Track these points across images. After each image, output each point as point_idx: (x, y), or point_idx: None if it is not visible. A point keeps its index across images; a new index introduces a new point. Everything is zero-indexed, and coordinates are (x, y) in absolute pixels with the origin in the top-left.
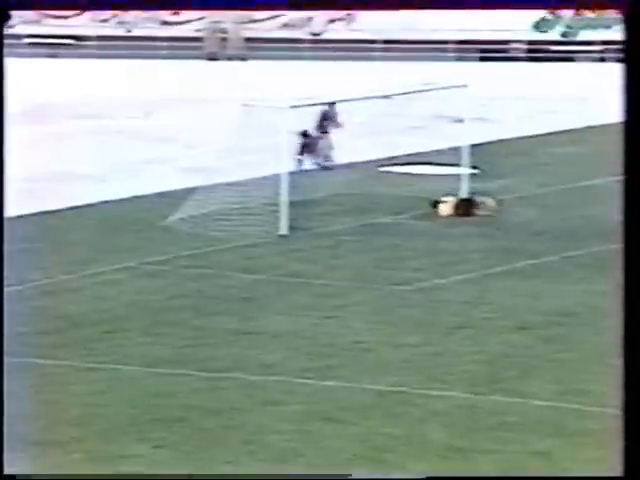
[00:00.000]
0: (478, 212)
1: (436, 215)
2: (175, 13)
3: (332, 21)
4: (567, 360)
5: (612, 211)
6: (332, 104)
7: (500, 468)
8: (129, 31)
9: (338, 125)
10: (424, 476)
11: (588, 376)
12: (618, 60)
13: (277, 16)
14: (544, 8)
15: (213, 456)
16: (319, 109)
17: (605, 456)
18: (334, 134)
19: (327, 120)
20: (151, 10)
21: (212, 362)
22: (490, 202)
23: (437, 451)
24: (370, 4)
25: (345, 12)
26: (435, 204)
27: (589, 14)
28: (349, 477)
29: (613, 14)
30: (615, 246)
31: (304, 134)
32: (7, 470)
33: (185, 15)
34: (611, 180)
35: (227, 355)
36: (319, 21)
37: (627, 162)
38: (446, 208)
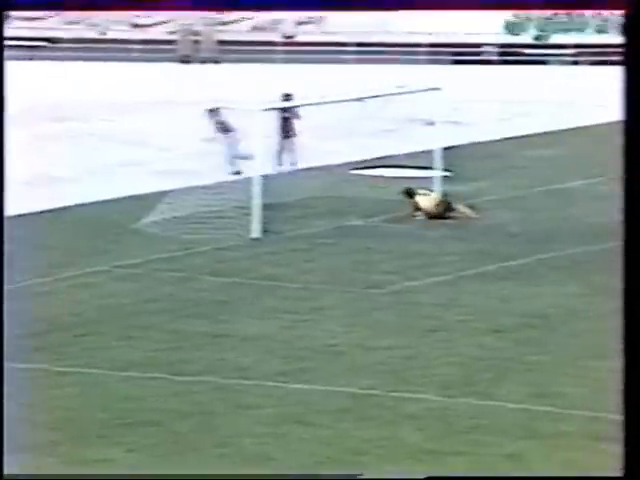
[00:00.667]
0: (453, 214)
1: (410, 218)
2: (147, 15)
3: (302, 23)
4: (541, 363)
5: (586, 213)
6: (295, 107)
7: (472, 470)
8: (103, 33)
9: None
10: (424, 476)
11: (562, 379)
12: (592, 63)
13: (247, 18)
14: (544, 8)
15: (185, 460)
16: (281, 112)
17: (577, 458)
18: (304, 137)
19: (289, 123)
20: (150, 10)
21: (185, 365)
22: (465, 209)
23: (410, 453)
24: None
25: (315, 14)
26: (410, 195)
27: (561, 17)
28: (348, 477)
29: (586, 17)
30: (589, 248)
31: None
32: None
33: (156, 17)
34: (585, 183)
35: (200, 358)
36: (289, 23)
37: (627, 162)
38: (424, 202)
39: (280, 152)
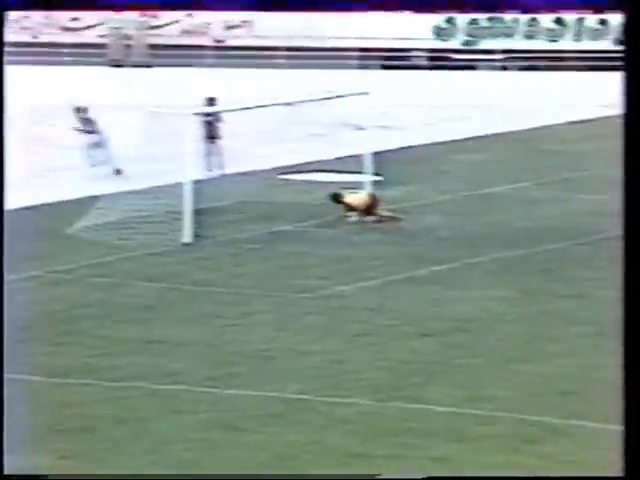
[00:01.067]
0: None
1: (340, 222)
2: (74, 19)
3: (231, 27)
4: (470, 366)
5: (514, 218)
6: (223, 111)
7: (401, 473)
8: (35, 37)
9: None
10: (424, 476)
11: (490, 382)
12: (520, 68)
13: (177, 21)
14: (544, 8)
15: (117, 466)
16: (205, 117)
17: (506, 461)
18: (234, 142)
19: (214, 127)
20: (150, 10)
21: (116, 371)
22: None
23: (339, 457)
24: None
25: (245, 17)
26: (337, 199)
27: (487, 23)
28: (348, 477)
29: (514, 22)
30: (517, 252)
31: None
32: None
33: (87, 21)
34: (513, 187)
35: (131, 364)
36: (218, 27)
37: (627, 161)
38: (354, 200)
39: (208, 156)
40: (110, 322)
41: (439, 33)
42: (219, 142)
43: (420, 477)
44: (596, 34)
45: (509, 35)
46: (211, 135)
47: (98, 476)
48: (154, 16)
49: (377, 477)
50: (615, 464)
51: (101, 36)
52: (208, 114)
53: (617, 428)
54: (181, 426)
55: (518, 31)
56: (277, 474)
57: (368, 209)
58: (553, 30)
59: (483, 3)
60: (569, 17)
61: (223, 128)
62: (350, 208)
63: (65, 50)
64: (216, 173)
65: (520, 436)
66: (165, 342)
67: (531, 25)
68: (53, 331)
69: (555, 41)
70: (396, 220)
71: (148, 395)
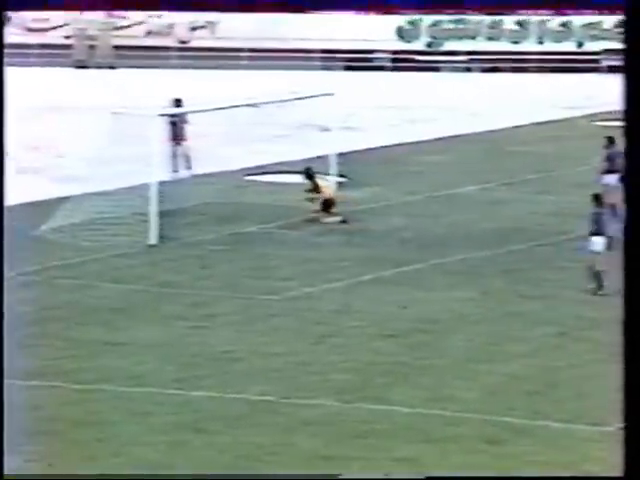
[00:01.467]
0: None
1: (305, 224)
2: (39, 19)
3: (195, 28)
4: (434, 367)
5: (478, 219)
6: (187, 112)
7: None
8: None
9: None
10: (424, 476)
11: (454, 382)
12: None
13: (141, 23)
14: (545, 8)
15: (83, 469)
16: (171, 118)
17: (470, 461)
18: (199, 143)
19: (180, 128)
20: (149, 10)
21: (82, 374)
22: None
23: (304, 459)
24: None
25: (209, 18)
26: (310, 176)
27: (449, 24)
28: (347, 477)
29: (477, 23)
30: (482, 253)
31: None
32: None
33: (52, 21)
34: (477, 188)
35: (97, 366)
36: (182, 28)
37: (630, 163)
38: (323, 184)
39: (174, 158)
40: (76, 324)
41: (402, 34)
42: (185, 143)
43: (421, 477)
44: (558, 36)
45: (472, 37)
46: (177, 137)
47: (98, 476)
48: (120, 17)
49: (339, 477)
50: (578, 464)
51: (66, 37)
52: (174, 115)
53: (580, 428)
54: (147, 428)
55: (481, 33)
56: (271, 474)
57: (327, 202)
58: (515, 32)
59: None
60: (531, 19)
61: (188, 129)
62: (316, 190)
63: (29, 51)
64: (182, 174)
65: (485, 437)
66: (131, 344)
67: (494, 27)
68: (20, 333)
69: (518, 43)
70: (343, 223)
71: (114, 397)
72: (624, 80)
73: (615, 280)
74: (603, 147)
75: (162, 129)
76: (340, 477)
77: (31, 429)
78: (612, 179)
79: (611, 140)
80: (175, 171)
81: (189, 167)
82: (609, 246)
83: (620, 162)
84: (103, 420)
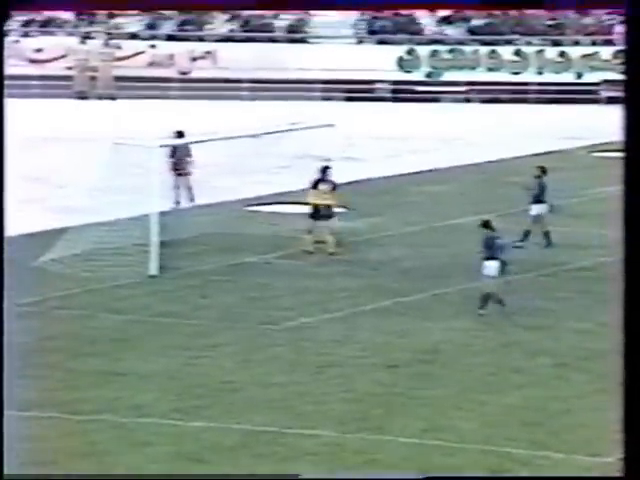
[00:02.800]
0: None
1: (305, 254)
2: (39, 50)
3: (195, 59)
4: (433, 397)
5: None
6: (189, 143)
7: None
8: None
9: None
10: (423, 476)
11: (453, 413)
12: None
13: (142, 52)
14: (544, 8)
15: None
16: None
17: None
18: (200, 174)
19: (183, 160)
20: (150, 10)
21: (81, 404)
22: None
23: None
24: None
25: (206, 50)
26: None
27: (448, 54)
28: (348, 477)
29: (475, 53)
30: (479, 284)
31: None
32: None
33: (51, 52)
34: (477, 219)
35: (97, 397)
36: (183, 59)
37: (627, 175)
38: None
39: (176, 189)
40: (76, 355)
41: (402, 65)
42: (189, 175)
43: (421, 477)
44: (558, 67)
45: (472, 67)
46: (180, 168)
47: (98, 476)
48: (118, 47)
49: (348, 478)
50: None
51: (67, 68)
52: (175, 147)
53: (580, 458)
54: (147, 459)
55: (481, 63)
56: (270, 474)
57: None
58: (515, 63)
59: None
60: (529, 49)
61: (190, 161)
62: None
63: (30, 82)
64: (183, 205)
65: (485, 467)
66: (131, 374)
67: (492, 57)
68: (20, 364)
69: (517, 74)
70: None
71: (114, 428)
72: (623, 111)
73: (510, 303)
74: (534, 177)
75: (163, 160)
76: (340, 477)
77: (30, 460)
78: (542, 208)
79: (543, 170)
80: (177, 202)
81: (192, 199)
82: (502, 270)
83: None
84: (102, 451)
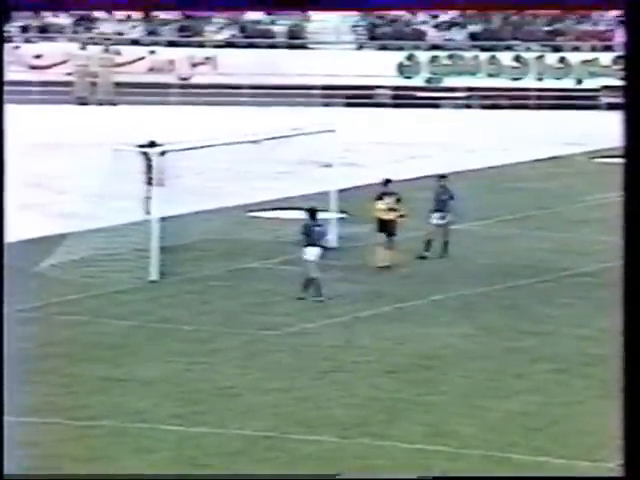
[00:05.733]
0: None
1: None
2: (39, 56)
3: (196, 65)
4: (434, 403)
5: (479, 255)
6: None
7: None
8: None
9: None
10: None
11: (455, 418)
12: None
13: (142, 58)
14: (544, 8)
15: None
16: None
17: None
18: (201, 179)
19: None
20: (150, 11)
21: (82, 410)
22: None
23: None
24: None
25: (206, 56)
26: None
27: (448, 60)
28: (347, 477)
29: (475, 59)
30: (481, 289)
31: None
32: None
33: (51, 59)
34: (478, 224)
35: (98, 402)
36: (183, 64)
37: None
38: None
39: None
40: (77, 360)
41: (402, 70)
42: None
43: (422, 477)
44: (558, 73)
45: (472, 73)
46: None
47: (98, 476)
48: (118, 53)
49: (349, 477)
50: None
51: (67, 74)
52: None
53: (581, 464)
54: (147, 464)
55: (480, 69)
56: (270, 474)
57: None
58: (515, 68)
59: None
60: (529, 55)
61: (189, 166)
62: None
63: (31, 88)
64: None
65: (486, 473)
66: (131, 380)
67: (492, 63)
68: (21, 369)
69: (517, 79)
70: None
71: (114, 434)
72: (624, 117)
73: (330, 287)
74: (439, 186)
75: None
76: (340, 477)
77: (30, 466)
78: (443, 217)
79: (442, 177)
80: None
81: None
82: (322, 256)
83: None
84: (103, 456)
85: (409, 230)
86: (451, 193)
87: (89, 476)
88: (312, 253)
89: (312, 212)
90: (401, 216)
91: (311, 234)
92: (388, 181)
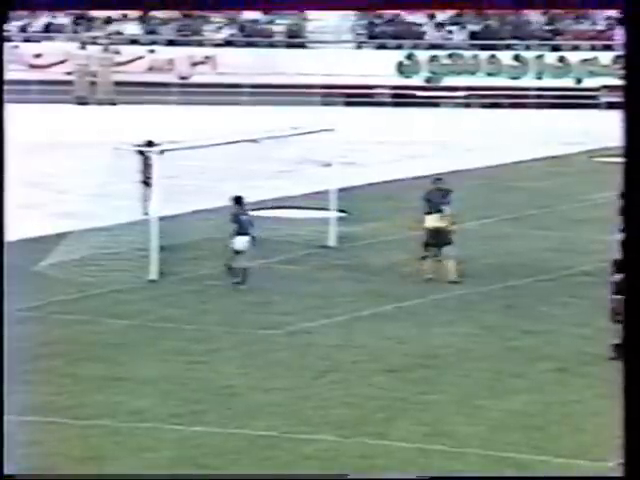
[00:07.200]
0: None
1: (303, 260)
2: (39, 55)
3: (195, 64)
4: (434, 402)
5: (479, 254)
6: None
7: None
8: None
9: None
10: (424, 476)
11: (454, 418)
12: (483, 106)
13: (141, 57)
14: (543, 7)
15: None
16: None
17: None
18: (200, 179)
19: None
20: (151, 10)
21: (81, 409)
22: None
23: None
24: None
25: (206, 55)
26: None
27: (447, 59)
28: (348, 477)
29: (474, 58)
30: (481, 289)
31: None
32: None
33: (50, 58)
34: (478, 224)
35: (97, 402)
36: (183, 64)
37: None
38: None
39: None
40: (76, 360)
41: (402, 70)
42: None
43: (421, 477)
44: (557, 72)
45: (471, 72)
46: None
47: (98, 476)
48: (117, 52)
49: (348, 477)
50: None
51: (67, 73)
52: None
53: (581, 463)
54: (146, 464)
55: (480, 68)
56: (271, 474)
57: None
58: (514, 67)
59: None
60: (528, 54)
61: (189, 165)
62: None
63: (30, 87)
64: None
65: (485, 471)
66: (130, 379)
67: (492, 62)
68: (20, 369)
69: (517, 79)
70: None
71: (114, 433)
72: (623, 116)
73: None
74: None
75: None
76: (341, 477)
77: (30, 465)
78: (245, 241)
79: (237, 199)
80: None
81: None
82: (252, 244)
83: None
84: (103, 456)
85: (409, 229)
86: (448, 197)
87: (89, 476)
88: (242, 242)
89: (237, 199)
90: (449, 231)
91: (240, 223)
92: (449, 191)
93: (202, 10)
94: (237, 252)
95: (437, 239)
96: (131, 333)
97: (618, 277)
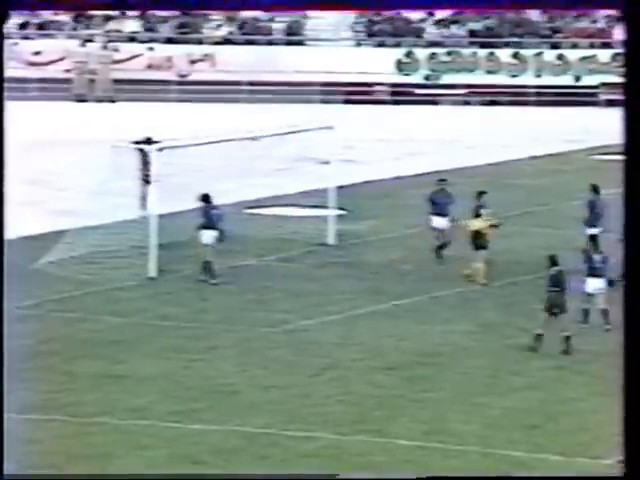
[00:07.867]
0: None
1: (302, 257)
2: (38, 53)
3: (194, 62)
4: (432, 400)
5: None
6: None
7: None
8: None
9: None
10: (424, 476)
11: (452, 415)
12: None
13: (140, 55)
14: (543, 7)
15: None
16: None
17: None
18: (198, 177)
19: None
20: (152, 10)
21: (80, 407)
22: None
23: None
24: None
25: (205, 52)
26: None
27: (446, 57)
28: (348, 477)
29: (473, 56)
30: (479, 286)
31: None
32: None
33: (49, 55)
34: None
35: (95, 400)
36: (181, 61)
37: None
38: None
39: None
40: (75, 357)
41: (401, 67)
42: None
43: (421, 477)
44: (556, 70)
45: (471, 70)
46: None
47: (98, 476)
48: (116, 50)
49: (348, 478)
50: None
51: (66, 70)
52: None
53: (580, 460)
54: (144, 462)
55: (479, 66)
56: (271, 474)
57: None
58: (514, 65)
59: None
60: (528, 52)
61: (188, 163)
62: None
63: (29, 85)
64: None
65: (484, 470)
66: (129, 377)
67: (491, 60)
68: (19, 367)
69: (516, 76)
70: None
71: (112, 431)
72: (623, 113)
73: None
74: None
75: (160, 163)
76: (339, 477)
77: (29, 463)
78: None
79: (206, 197)
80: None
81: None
82: (220, 239)
83: None
84: (101, 453)
85: (408, 227)
86: (451, 198)
87: (89, 476)
88: (209, 236)
89: (205, 197)
90: (492, 226)
91: (209, 217)
92: (482, 193)
93: (202, 10)
94: (205, 246)
95: (479, 242)
96: (130, 331)
97: (553, 271)
